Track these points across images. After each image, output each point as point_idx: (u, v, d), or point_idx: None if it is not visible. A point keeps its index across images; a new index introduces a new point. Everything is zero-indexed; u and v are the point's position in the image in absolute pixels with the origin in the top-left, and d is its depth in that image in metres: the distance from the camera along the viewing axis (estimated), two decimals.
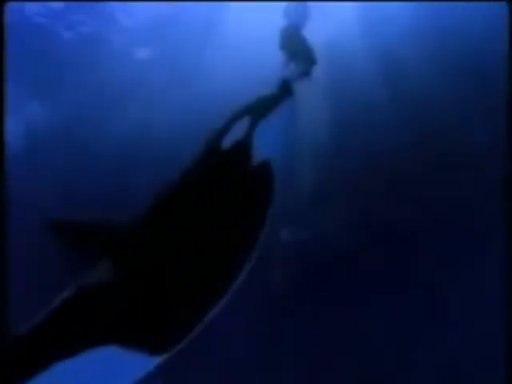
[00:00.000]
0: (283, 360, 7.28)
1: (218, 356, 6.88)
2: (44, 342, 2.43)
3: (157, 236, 2.53)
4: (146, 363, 2.44)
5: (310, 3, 3.49)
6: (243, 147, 2.61)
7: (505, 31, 4.86)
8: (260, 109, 2.70)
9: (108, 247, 2.52)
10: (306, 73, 3.03)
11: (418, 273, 7.43)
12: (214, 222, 2.53)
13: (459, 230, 7.36)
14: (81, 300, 2.47)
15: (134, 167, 7.66)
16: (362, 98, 7.65)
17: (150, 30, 8.05)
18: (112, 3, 7.75)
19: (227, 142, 2.64)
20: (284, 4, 3.48)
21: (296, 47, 3.13)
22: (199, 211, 2.54)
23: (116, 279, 2.45)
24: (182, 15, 7.81)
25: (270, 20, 3.43)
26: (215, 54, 7.70)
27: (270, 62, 2.88)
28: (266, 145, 2.63)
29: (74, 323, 2.43)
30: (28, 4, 7.61)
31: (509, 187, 4.91)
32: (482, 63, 7.04)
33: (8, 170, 3.40)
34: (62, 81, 8.13)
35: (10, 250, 3.35)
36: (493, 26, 6.29)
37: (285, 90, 2.79)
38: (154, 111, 7.92)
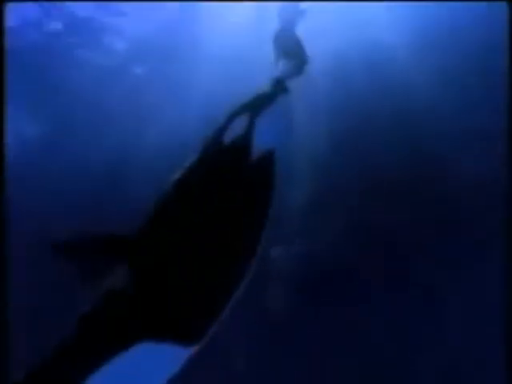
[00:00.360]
0: (283, 363, 7.28)
1: (219, 365, 6.88)
2: (79, 352, 2.51)
3: (162, 237, 2.57)
4: (179, 355, 2.52)
5: (304, 4, 3.50)
6: (243, 145, 2.64)
7: (505, 31, 4.85)
8: (257, 107, 2.75)
9: (119, 255, 2.57)
10: (298, 71, 3.03)
11: (418, 276, 7.44)
12: (216, 220, 2.57)
13: (459, 232, 7.37)
14: (104, 307, 2.53)
15: (127, 178, 7.78)
16: (362, 108, 7.70)
17: (141, 50, 8.17)
18: (104, 26, 7.79)
19: (226, 140, 2.68)
20: (278, 4, 3.49)
21: (289, 46, 3.13)
22: (201, 211, 2.58)
23: (133, 283, 2.52)
24: (172, 32, 7.89)
25: (263, 31, 3.45)
26: (207, 68, 7.75)
27: (265, 73, 2.91)
28: (265, 142, 2.66)
29: (103, 329, 2.50)
30: (27, 26, 7.70)
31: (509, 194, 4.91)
32: (484, 71, 7.06)
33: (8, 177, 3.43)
34: (59, 97, 8.27)
35: (10, 251, 3.36)
36: (493, 27, 6.29)
37: (280, 88, 2.83)
38: (147, 124, 8.00)
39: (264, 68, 2.94)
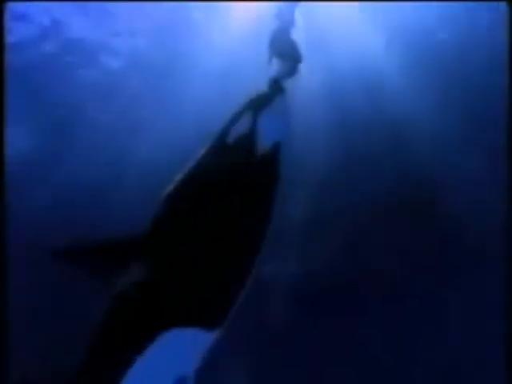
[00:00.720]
0: (282, 377, 7.30)
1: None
2: (111, 348, 2.60)
3: (173, 232, 2.69)
4: (204, 339, 2.66)
5: (299, 4, 3.55)
6: (248, 141, 2.78)
7: (505, 32, 4.85)
8: (258, 106, 2.89)
9: (132, 254, 2.67)
10: (292, 71, 3.17)
11: (417, 294, 7.47)
12: (225, 213, 2.69)
13: (458, 249, 7.42)
14: (126, 301, 2.63)
15: (122, 191, 7.92)
16: (363, 128, 7.77)
17: (136, 67, 8.28)
18: (99, 45, 8.04)
19: (233, 138, 2.82)
20: (274, 6, 3.54)
21: (283, 47, 3.26)
22: (210, 205, 2.69)
23: (150, 278, 2.62)
24: (167, 48, 8.00)
25: (258, 46, 3.52)
26: (202, 83, 7.84)
27: (259, 87, 3.02)
28: (269, 136, 2.81)
29: (129, 323, 2.61)
30: (25, 46, 7.93)
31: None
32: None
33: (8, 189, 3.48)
34: (56, 113, 8.44)
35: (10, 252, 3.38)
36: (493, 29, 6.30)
37: (277, 88, 2.97)
38: (142, 139, 8.16)
39: (258, 82, 3.02)
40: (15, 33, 7.53)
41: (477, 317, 7.01)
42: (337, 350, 7.32)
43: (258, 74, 3.11)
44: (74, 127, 8.43)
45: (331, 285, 7.47)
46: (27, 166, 8.08)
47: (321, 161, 7.83)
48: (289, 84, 3.00)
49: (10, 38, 7.21)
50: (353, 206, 7.79)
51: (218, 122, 2.93)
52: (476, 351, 6.92)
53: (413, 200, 7.72)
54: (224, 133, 2.86)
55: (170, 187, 2.78)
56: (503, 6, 5.41)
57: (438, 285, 7.48)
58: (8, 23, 6.86)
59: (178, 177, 2.80)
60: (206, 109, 6.97)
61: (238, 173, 2.73)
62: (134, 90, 8.36)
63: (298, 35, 3.36)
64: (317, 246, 7.83)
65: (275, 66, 3.16)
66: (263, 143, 2.77)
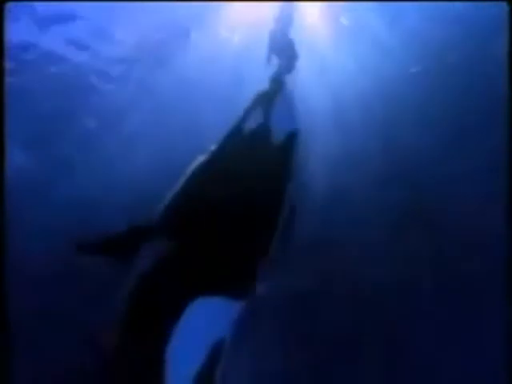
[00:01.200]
0: None
1: None
2: (145, 323, 2.70)
3: (193, 214, 2.82)
4: (233, 307, 2.81)
5: (296, 4, 3.65)
6: (265, 132, 2.92)
7: (505, 31, 4.88)
8: (265, 102, 3.02)
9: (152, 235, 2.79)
10: (290, 68, 3.28)
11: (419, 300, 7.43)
12: (244, 194, 2.82)
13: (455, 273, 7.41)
14: (151, 275, 2.75)
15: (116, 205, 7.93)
16: (360, 151, 7.89)
17: (130, 93, 8.51)
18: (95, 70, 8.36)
19: (248, 129, 2.95)
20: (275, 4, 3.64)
21: (281, 46, 3.39)
22: (231, 190, 2.81)
23: (173, 254, 2.75)
24: (161, 60, 8.14)
25: (253, 57, 3.59)
26: (195, 96, 8.04)
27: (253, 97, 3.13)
28: (283, 128, 2.95)
29: (157, 295, 2.73)
30: (23, 69, 8.17)
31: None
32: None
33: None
34: (52, 133, 8.69)
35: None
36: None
37: (278, 85, 3.10)
38: (135, 154, 8.33)
39: (253, 91, 3.12)
40: (14, 56, 7.78)
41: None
42: (333, 363, 7.28)
43: (254, 83, 3.19)
44: (70, 147, 8.59)
45: (327, 301, 7.43)
46: (24, 182, 8.12)
47: (321, 178, 7.86)
48: (289, 79, 3.13)
49: (13, 61, 7.63)
50: (354, 223, 7.77)
51: (211, 139, 3.01)
52: None
53: (416, 218, 7.71)
54: (237, 129, 2.98)
55: (188, 174, 2.90)
56: (500, 9, 5.46)
57: (437, 296, 7.47)
58: (11, 49, 7.08)
59: (196, 166, 2.92)
60: (199, 124, 7.05)
61: (256, 161, 2.86)
62: (128, 108, 8.47)
63: (294, 36, 3.44)
64: (316, 262, 7.79)
65: (274, 64, 3.27)
66: (279, 134, 2.90)
